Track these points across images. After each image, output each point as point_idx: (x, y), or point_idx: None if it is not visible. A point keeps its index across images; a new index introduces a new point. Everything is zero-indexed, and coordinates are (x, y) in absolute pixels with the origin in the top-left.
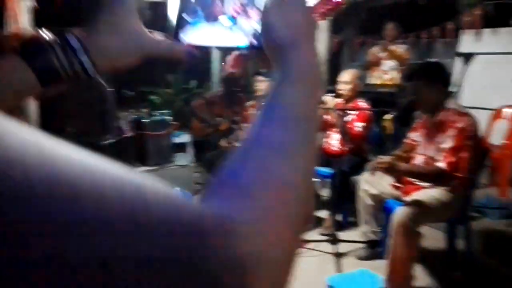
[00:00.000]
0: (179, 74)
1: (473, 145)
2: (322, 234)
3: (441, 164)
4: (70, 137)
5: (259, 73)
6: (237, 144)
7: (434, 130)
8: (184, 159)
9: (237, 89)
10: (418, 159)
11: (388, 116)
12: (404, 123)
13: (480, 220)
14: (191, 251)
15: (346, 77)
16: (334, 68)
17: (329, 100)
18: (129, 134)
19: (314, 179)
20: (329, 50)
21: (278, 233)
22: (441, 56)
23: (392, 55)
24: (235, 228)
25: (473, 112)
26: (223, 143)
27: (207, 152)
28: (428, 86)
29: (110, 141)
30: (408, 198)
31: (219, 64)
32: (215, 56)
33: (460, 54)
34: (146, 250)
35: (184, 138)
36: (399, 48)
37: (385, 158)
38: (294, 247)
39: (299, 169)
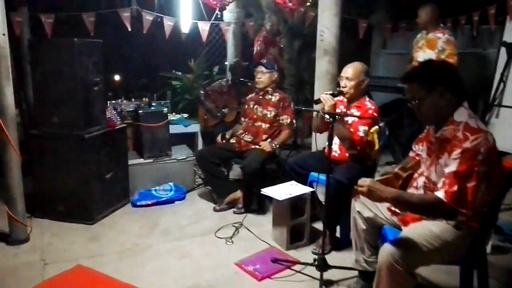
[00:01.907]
0: (201, 60)
1: (486, 171)
2: (314, 252)
3: (440, 194)
4: (54, 129)
5: (260, 64)
6: (232, 141)
7: (438, 147)
8: (183, 152)
9: (243, 79)
10: (419, 180)
11: (374, 129)
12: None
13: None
14: None
15: (349, 72)
16: (361, 57)
17: (328, 98)
18: (120, 125)
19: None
20: (337, 35)
21: None
22: (482, 46)
23: (430, 45)
24: None
25: None
26: (218, 139)
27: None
28: (427, 90)
29: (95, 133)
30: (404, 230)
31: (234, 50)
32: (231, 42)
33: (505, 44)
34: None
35: (194, 128)
36: (440, 39)
37: (367, 181)
38: None
39: None
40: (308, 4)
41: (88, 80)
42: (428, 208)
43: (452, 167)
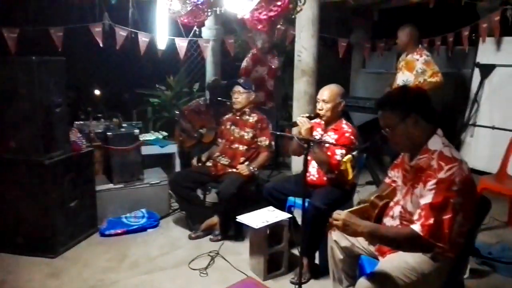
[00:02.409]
0: (180, 77)
1: (461, 201)
2: (292, 282)
3: (416, 227)
4: (10, 154)
5: (237, 83)
6: (208, 164)
7: (413, 177)
8: (157, 176)
9: (222, 98)
10: (395, 210)
11: (346, 158)
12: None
13: (489, 276)
14: None
15: (326, 94)
16: (341, 76)
17: (304, 121)
18: (86, 149)
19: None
20: (315, 55)
21: None
22: (457, 67)
23: (408, 67)
24: None
25: (492, 133)
26: (194, 161)
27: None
28: (400, 118)
29: (57, 158)
30: (381, 262)
31: (213, 68)
32: (209, 60)
33: (478, 65)
34: None
35: (171, 148)
36: (418, 60)
37: (342, 214)
38: None
39: None
40: (279, 26)
41: (48, 101)
42: (404, 242)
43: (427, 198)
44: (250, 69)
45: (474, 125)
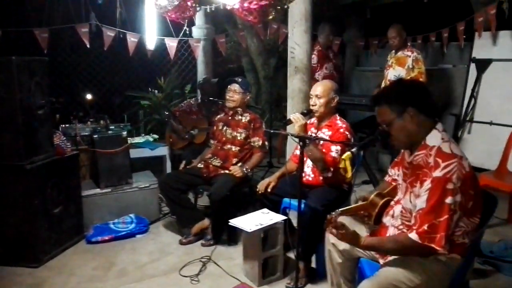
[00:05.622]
0: (171, 78)
1: (459, 200)
2: (288, 287)
3: (413, 235)
4: None
5: (235, 81)
6: (200, 165)
7: (411, 174)
8: (146, 179)
9: (213, 97)
10: (396, 209)
11: (346, 155)
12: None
13: (493, 276)
14: None
15: (319, 90)
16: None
17: (298, 118)
18: (71, 152)
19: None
20: (309, 52)
21: None
22: (452, 62)
23: (399, 63)
24: None
25: (490, 129)
26: (181, 165)
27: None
28: (397, 113)
29: (40, 163)
30: (383, 264)
31: (204, 67)
32: (201, 59)
33: (475, 60)
34: None
35: (162, 151)
36: (410, 57)
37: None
38: None
39: None
40: (271, 17)
41: (29, 102)
42: (403, 251)
43: (422, 202)
44: (316, 67)
45: (471, 121)
